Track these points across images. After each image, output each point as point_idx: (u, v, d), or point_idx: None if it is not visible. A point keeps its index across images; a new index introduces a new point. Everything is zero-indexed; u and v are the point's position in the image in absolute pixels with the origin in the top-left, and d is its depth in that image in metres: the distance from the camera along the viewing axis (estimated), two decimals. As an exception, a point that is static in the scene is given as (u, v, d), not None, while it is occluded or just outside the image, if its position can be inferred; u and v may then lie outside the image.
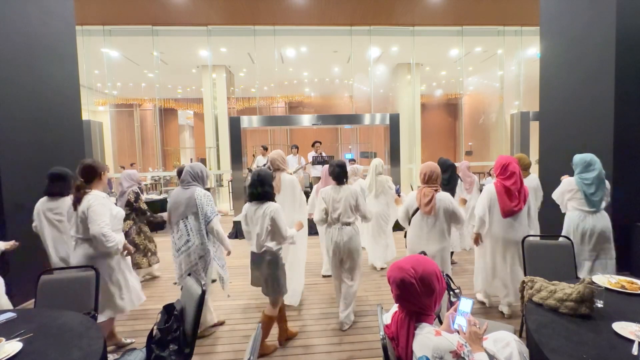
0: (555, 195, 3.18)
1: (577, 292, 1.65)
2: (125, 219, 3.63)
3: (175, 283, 2.81)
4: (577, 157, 3.05)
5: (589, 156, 2.98)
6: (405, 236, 2.97)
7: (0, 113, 3.44)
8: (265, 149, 8.39)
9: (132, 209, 3.96)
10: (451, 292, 2.00)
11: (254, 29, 9.09)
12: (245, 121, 8.65)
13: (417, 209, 2.72)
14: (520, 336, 2.36)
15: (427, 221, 2.68)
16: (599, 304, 1.69)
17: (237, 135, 8.57)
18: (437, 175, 2.70)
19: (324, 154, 7.49)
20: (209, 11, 8.07)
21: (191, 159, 15.32)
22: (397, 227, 4.80)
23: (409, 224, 2.82)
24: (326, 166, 3.87)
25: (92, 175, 2.47)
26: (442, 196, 2.67)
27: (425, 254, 2.32)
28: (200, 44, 9.41)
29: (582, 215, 2.94)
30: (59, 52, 4.31)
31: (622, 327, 1.50)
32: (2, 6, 3.51)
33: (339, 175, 2.97)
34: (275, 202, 2.59)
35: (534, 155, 9.04)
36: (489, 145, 11.74)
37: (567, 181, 3.06)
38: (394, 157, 8.54)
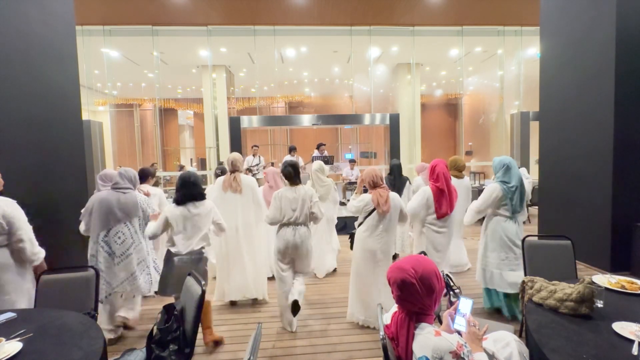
0: (481, 204, 2.96)
1: (577, 292, 1.65)
2: None
3: (107, 296, 2.68)
4: (496, 160, 3.01)
5: (507, 159, 2.96)
6: (350, 237, 3.09)
7: (0, 113, 3.43)
8: (256, 147, 8.34)
9: None
10: (451, 292, 2.00)
11: (254, 29, 9.09)
12: (245, 121, 8.66)
13: (372, 211, 2.83)
14: (520, 336, 2.36)
15: (382, 221, 2.81)
16: (599, 304, 1.69)
17: (237, 135, 8.58)
18: (378, 177, 2.89)
19: (326, 153, 7.50)
20: (209, 11, 8.07)
21: (191, 159, 15.32)
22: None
23: (360, 224, 2.93)
24: (271, 168, 3.96)
25: None
26: (394, 196, 2.87)
27: (424, 253, 2.32)
28: (200, 44, 9.41)
29: (504, 220, 2.92)
30: (59, 52, 4.30)
31: (622, 327, 1.50)
32: (1, 6, 3.51)
33: (291, 175, 2.94)
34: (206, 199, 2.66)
35: (534, 155, 9.05)
36: (489, 145, 11.74)
37: (492, 188, 2.94)
38: (394, 157, 8.54)
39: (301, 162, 7.68)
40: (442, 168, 3.04)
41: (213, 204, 2.69)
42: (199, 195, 2.58)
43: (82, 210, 2.82)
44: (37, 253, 2.20)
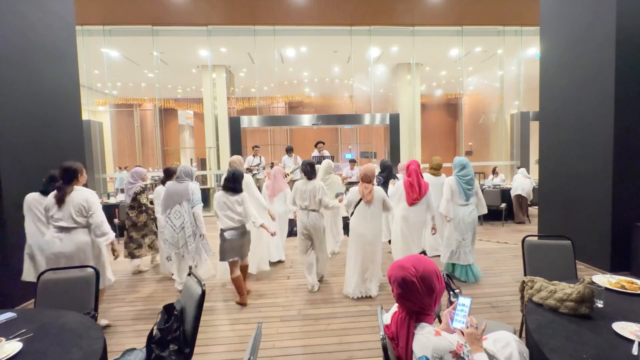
0: (447, 193, 3.79)
1: (577, 292, 1.65)
2: (141, 213, 4.43)
3: (167, 258, 3.71)
4: (456, 160, 3.87)
5: (464, 159, 3.83)
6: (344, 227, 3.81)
7: (0, 113, 3.44)
8: (257, 147, 8.25)
9: (136, 201, 4.40)
10: (451, 292, 2.00)
11: (254, 29, 9.09)
12: (245, 121, 8.67)
13: (360, 201, 3.51)
14: (520, 336, 2.36)
15: (368, 209, 3.48)
16: (599, 304, 1.69)
17: (237, 135, 8.59)
18: (372, 174, 3.54)
19: (326, 153, 7.46)
20: (209, 11, 8.07)
21: (191, 159, 15.33)
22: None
23: (352, 214, 3.58)
24: (277, 167, 4.78)
25: (71, 176, 2.76)
26: (377, 189, 3.53)
27: (425, 253, 2.32)
28: (200, 44, 9.41)
29: (459, 207, 3.75)
30: (59, 52, 4.31)
31: (622, 327, 1.50)
32: (1, 6, 3.51)
33: (308, 172, 3.76)
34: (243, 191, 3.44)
35: (534, 155, 9.05)
36: (489, 145, 11.74)
37: (448, 180, 3.81)
38: (394, 157, 8.55)
39: (299, 162, 7.59)
40: (415, 166, 3.91)
41: (245, 198, 3.38)
42: (233, 188, 3.37)
43: (154, 199, 4.26)
44: None
